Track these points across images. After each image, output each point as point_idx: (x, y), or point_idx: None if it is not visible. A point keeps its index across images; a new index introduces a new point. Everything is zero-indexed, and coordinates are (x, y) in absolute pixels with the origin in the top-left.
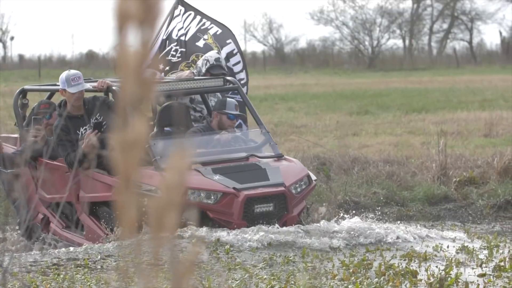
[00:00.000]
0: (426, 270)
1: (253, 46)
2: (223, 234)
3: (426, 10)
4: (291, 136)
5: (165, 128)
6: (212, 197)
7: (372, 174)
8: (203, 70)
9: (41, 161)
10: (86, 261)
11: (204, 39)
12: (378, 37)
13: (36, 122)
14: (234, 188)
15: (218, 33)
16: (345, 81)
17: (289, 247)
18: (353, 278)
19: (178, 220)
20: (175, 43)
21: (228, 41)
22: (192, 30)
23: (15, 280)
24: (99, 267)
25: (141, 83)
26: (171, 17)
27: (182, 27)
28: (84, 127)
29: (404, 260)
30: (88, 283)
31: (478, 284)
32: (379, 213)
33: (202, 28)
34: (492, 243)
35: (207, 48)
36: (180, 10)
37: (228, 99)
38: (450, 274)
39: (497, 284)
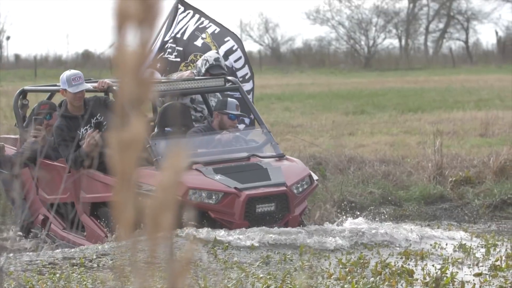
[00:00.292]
0: (423, 269)
1: (249, 46)
2: (222, 234)
3: (422, 10)
4: (287, 136)
5: (166, 128)
6: (214, 197)
7: (368, 174)
8: (203, 70)
9: (41, 162)
10: (82, 260)
11: (203, 38)
12: (374, 37)
13: (37, 123)
14: (235, 188)
15: (216, 31)
16: (341, 81)
17: (289, 247)
18: (349, 277)
19: (174, 219)
20: (171, 41)
21: (226, 39)
22: (190, 28)
23: (10, 280)
24: (95, 265)
25: (139, 82)
26: (172, 17)
27: (179, 24)
28: (85, 127)
29: (401, 258)
30: (84, 283)
31: (474, 284)
32: (375, 212)
33: (200, 26)
34: (490, 242)
35: (205, 47)
36: (181, 11)
37: (229, 99)
38: (446, 274)
39: (493, 284)
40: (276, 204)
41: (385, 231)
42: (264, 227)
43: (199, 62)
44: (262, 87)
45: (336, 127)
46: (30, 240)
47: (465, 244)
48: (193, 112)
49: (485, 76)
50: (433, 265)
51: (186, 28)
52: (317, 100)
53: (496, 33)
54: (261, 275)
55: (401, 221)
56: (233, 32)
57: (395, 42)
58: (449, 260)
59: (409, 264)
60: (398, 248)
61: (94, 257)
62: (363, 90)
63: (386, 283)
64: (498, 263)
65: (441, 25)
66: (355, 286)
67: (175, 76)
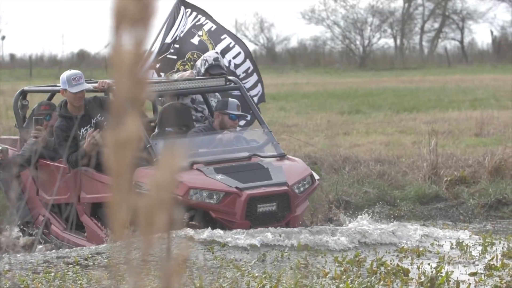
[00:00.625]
0: (418, 268)
1: None
2: (221, 234)
3: (417, 10)
4: (282, 136)
5: (167, 129)
6: (215, 197)
7: (363, 174)
8: (202, 70)
9: (41, 163)
10: (76, 259)
11: (199, 36)
12: (369, 37)
13: (37, 123)
14: (236, 187)
15: (212, 29)
16: (336, 81)
17: (290, 247)
18: (344, 276)
19: (169, 218)
20: (172, 40)
21: (223, 37)
22: (187, 26)
23: (5, 279)
24: (90, 264)
25: (135, 82)
26: (172, 18)
27: (183, 27)
28: (85, 128)
29: (397, 256)
30: (80, 282)
31: (469, 284)
32: (370, 212)
33: (197, 24)
34: (487, 240)
35: (202, 45)
36: (186, 12)
37: (230, 99)
38: (441, 273)
39: (488, 283)
40: (277, 203)
41: (391, 231)
42: (263, 227)
43: (198, 62)
44: None
45: (331, 127)
46: (24, 236)
47: (462, 242)
48: (194, 112)
49: (480, 75)
50: (429, 264)
51: (185, 26)
52: (312, 99)
53: (491, 32)
54: (257, 274)
55: (397, 220)
56: (229, 31)
57: (390, 42)
58: (445, 259)
59: (404, 263)
60: (394, 247)
61: (89, 255)
62: (358, 89)
63: (381, 282)
64: (493, 262)
65: (436, 25)
66: (350, 286)
67: (175, 76)
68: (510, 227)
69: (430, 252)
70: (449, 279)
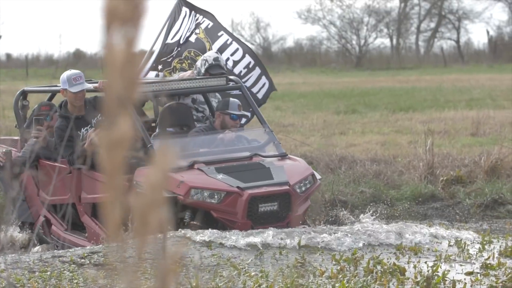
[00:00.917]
0: (415, 267)
1: None
2: (221, 234)
3: (414, 9)
4: (278, 135)
5: (168, 129)
6: (216, 197)
7: (359, 173)
8: (202, 70)
9: (42, 163)
10: (72, 258)
11: (196, 33)
12: (365, 36)
13: (37, 123)
14: (238, 187)
15: (209, 26)
16: (332, 80)
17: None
18: (340, 276)
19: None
20: (176, 47)
21: (220, 34)
22: (191, 27)
23: (1, 278)
24: (87, 262)
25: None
26: (173, 18)
27: (188, 29)
28: (85, 128)
29: (394, 254)
30: (75, 281)
31: (465, 283)
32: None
33: (195, 22)
34: (485, 239)
35: (198, 43)
36: (186, 12)
37: (231, 99)
38: (438, 272)
39: (484, 283)
40: (279, 203)
41: (397, 231)
42: (265, 227)
43: (198, 63)
44: None
45: (327, 127)
46: (23, 236)
47: (460, 240)
48: (195, 112)
49: (476, 75)
50: (425, 262)
51: (190, 30)
52: (308, 99)
53: (488, 32)
54: (253, 273)
55: (393, 220)
56: (222, 25)
57: (387, 42)
58: (442, 257)
59: (401, 261)
60: (391, 244)
61: (85, 254)
62: (354, 89)
63: (378, 282)
64: (490, 261)
65: (432, 25)
66: (346, 285)
67: (176, 76)
68: (506, 226)
69: (428, 249)
70: (445, 278)
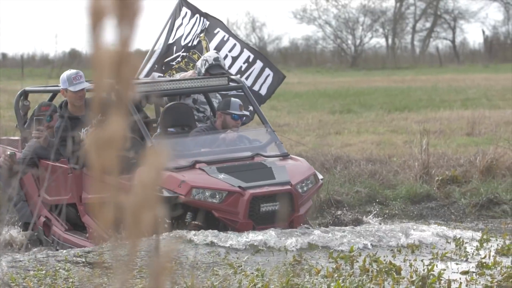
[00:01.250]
0: (411, 266)
1: None
2: (221, 235)
3: (409, 9)
4: None
5: (169, 129)
6: (217, 196)
7: (355, 173)
8: (203, 70)
9: (43, 163)
10: (66, 257)
11: (199, 37)
12: (361, 36)
13: (38, 123)
14: (239, 186)
15: (206, 25)
16: (328, 80)
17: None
18: (336, 275)
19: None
20: (183, 50)
21: (216, 31)
22: (197, 33)
23: None
24: (82, 260)
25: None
26: (174, 18)
27: (190, 33)
28: (86, 128)
29: (391, 251)
30: (71, 280)
31: (461, 283)
32: (362, 212)
33: (202, 28)
34: (484, 237)
35: (199, 44)
36: (186, 12)
37: (232, 99)
38: (433, 271)
39: (479, 283)
40: (280, 203)
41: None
42: (266, 226)
43: (198, 63)
44: None
45: (323, 126)
46: (22, 237)
47: (459, 238)
48: (196, 112)
49: (472, 75)
50: (422, 260)
51: (195, 35)
52: (303, 99)
53: (483, 32)
54: (249, 272)
55: (389, 220)
56: (219, 21)
57: (382, 41)
58: (438, 255)
59: (398, 259)
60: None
61: (80, 253)
62: (349, 89)
63: (373, 281)
64: (486, 260)
65: (428, 24)
66: (341, 285)
67: (177, 76)
68: (501, 226)
69: (427, 247)
70: (441, 278)
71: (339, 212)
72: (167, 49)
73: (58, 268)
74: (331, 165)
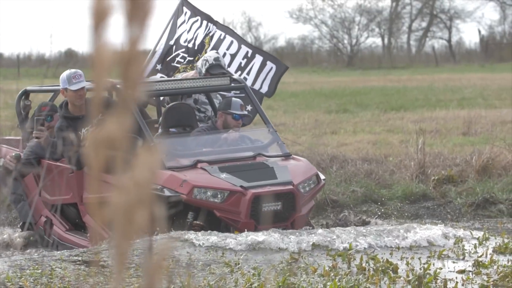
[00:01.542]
0: (408, 264)
1: None
2: (221, 235)
3: (405, 9)
4: None
5: (171, 129)
6: (219, 196)
7: (351, 173)
8: (203, 70)
9: (43, 163)
10: (62, 257)
11: (203, 40)
12: (357, 36)
13: (38, 123)
14: (241, 186)
15: (213, 31)
16: (324, 80)
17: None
18: (332, 274)
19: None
20: (183, 50)
21: (213, 31)
22: (200, 37)
23: None
24: (79, 259)
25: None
26: (175, 18)
27: (190, 32)
28: (86, 128)
29: (389, 249)
30: (67, 279)
31: (457, 282)
32: (358, 211)
33: (209, 35)
34: (484, 236)
35: (202, 46)
36: (186, 13)
37: (233, 98)
38: (429, 270)
39: (476, 282)
40: (282, 203)
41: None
42: (268, 226)
43: (199, 63)
44: None
45: (319, 126)
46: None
47: (459, 236)
48: (197, 112)
49: (468, 75)
50: (419, 259)
51: (196, 36)
52: (299, 98)
53: (479, 32)
54: (246, 271)
55: (386, 219)
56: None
57: (378, 41)
58: (435, 254)
59: (394, 257)
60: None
61: (77, 253)
62: (345, 88)
63: (369, 280)
64: (482, 259)
65: (424, 24)
66: (338, 284)
67: (179, 76)
68: (498, 225)
69: (423, 246)
70: (437, 277)
71: (345, 212)
72: (168, 49)
73: (54, 267)
74: (327, 164)
